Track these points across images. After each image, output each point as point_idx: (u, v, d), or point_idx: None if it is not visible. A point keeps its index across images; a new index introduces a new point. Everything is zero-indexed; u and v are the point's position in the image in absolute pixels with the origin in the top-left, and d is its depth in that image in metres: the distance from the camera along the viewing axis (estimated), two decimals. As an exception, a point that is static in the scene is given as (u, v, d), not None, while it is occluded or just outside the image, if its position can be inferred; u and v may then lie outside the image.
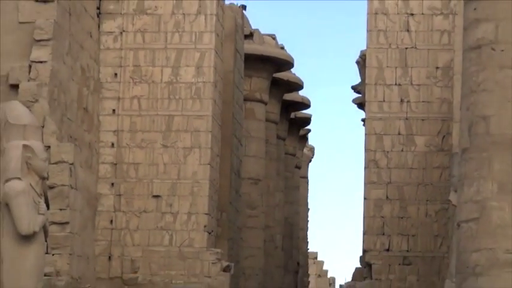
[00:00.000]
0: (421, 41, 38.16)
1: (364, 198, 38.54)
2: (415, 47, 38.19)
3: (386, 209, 38.07)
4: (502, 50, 20.75)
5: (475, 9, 21.37)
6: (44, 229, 24.78)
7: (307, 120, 58.33)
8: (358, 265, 39.60)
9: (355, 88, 48.17)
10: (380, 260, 38.02)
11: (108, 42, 37.02)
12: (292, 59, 48.27)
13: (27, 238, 24.21)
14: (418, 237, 37.60)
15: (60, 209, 29.56)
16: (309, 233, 63.99)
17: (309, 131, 60.96)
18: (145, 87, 36.75)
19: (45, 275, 26.26)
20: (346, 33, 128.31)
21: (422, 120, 37.96)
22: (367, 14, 38.82)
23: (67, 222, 30.13)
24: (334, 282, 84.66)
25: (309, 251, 67.68)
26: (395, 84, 38.25)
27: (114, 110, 36.68)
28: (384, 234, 37.98)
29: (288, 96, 51.45)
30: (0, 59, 30.70)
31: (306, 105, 55.32)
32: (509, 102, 20.66)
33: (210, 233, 36.64)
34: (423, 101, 38.00)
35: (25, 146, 24.44)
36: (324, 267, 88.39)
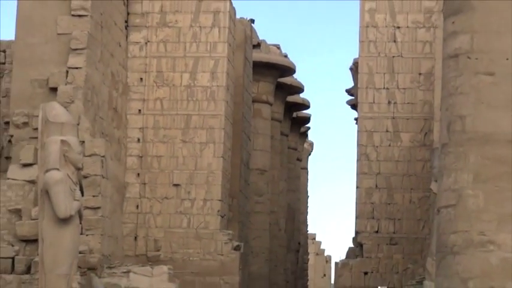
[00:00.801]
0: (406, 51, 38.21)
1: (357, 187, 38.64)
2: (401, 56, 38.25)
3: (376, 196, 38.19)
4: (476, 58, 20.88)
5: (453, 23, 21.51)
6: (79, 213, 24.98)
7: (307, 119, 58.31)
8: (351, 245, 39.60)
9: (348, 91, 48.21)
10: (370, 241, 38.14)
11: (134, 51, 37.12)
12: (294, 66, 48.28)
13: (64, 221, 24.41)
14: (403, 221, 37.71)
15: (93, 196, 29.67)
16: (308, 217, 63.92)
17: (309, 128, 60.88)
18: (167, 90, 36.91)
19: (80, 253, 26.43)
20: (341, 43, 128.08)
21: (407, 119, 38.05)
22: (360, 27, 38.88)
23: (99, 207, 30.25)
24: (330, 260, 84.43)
25: (308, 232, 67.57)
26: (384, 88, 38.34)
27: (139, 110, 36.82)
28: (373, 218, 38.09)
29: (291, 98, 51.47)
30: (42, 66, 30.90)
31: (306, 106, 55.34)
32: (482, 104, 20.80)
33: (222, 217, 36.77)
34: (408, 103, 38.07)
35: (63, 141, 24.63)
36: (322, 247, 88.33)
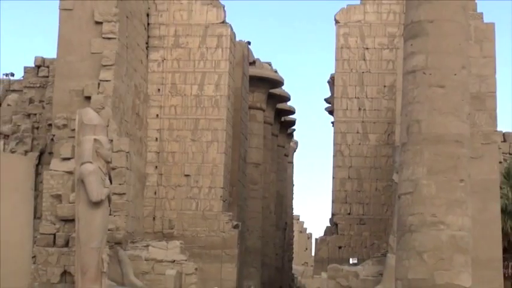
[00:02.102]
0: (373, 67, 38.10)
1: (333, 177, 38.51)
2: (369, 72, 38.12)
3: (348, 185, 38.08)
4: (430, 74, 20.86)
5: (411, 45, 21.47)
6: (108, 198, 25.02)
7: (292, 123, 58.08)
8: (328, 224, 39.40)
9: (327, 100, 48.07)
10: (343, 221, 38.03)
11: (153, 67, 37.03)
12: (283, 79, 48.09)
13: (96, 204, 24.39)
14: (371, 205, 37.61)
15: (119, 184, 29.61)
16: (293, 201, 63.64)
17: (294, 130, 60.56)
18: (180, 99, 36.81)
19: (108, 230, 26.42)
20: (321, 61, 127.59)
21: (374, 123, 37.94)
22: (336, 48, 38.71)
23: (124, 193, 30.19)
24: (311, 237, 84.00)
25: (293, 214, 67.36)
26: (355, 97, 38.19)
27: (157, 115, 36.71)
28: (346, 202, 37.96)
29: (280, 106, 51.26)
30: (78, 79, 30.81)
31: (292, 112, 55.10)
32: (435, 111, 20.79)
33: (224, 201, 36.71)
34: (374, 110, 37.96)
35: (95, 140, 24.63)
36: (304, 226, 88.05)
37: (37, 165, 30.93)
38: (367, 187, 37.81)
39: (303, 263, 75.09)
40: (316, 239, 41.93)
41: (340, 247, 37.59)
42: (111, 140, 28.12)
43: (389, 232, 29.87)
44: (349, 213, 37.94)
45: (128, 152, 30.61)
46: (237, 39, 39.77)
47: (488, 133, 30.48)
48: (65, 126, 30.03)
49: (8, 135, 33.42)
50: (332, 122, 40.88)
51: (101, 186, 24.66)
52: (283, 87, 49.13)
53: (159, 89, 37.01)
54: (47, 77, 33.97)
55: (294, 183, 63.97)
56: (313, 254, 56.47)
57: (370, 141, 37.94)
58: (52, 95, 31.92)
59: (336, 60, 38.83)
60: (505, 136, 37.38)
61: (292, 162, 64.05)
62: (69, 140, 28.90)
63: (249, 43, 42.65)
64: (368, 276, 30.21)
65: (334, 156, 38.53)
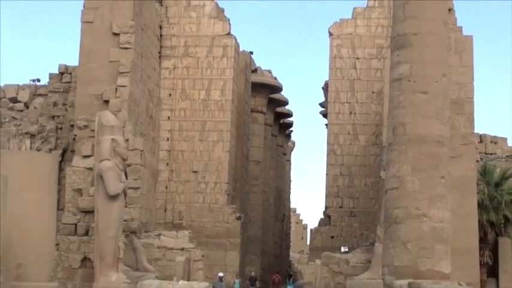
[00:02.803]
0: (363, 75, 38.14)
1: (326, 174, 38.58)
2: (359, 79, 38.18)
3: (340, 181, 38.13)
4: (414, 81, 20.85)
5: (397, 55, 21.44)
6: (124, 192, 24.91)
7: (290, 125, 58.02)
8: (322, 216, 39.47)
9: (321, 104, 48.03)
10: (336, 213, 38.09)
11: (165, 74, 37.06)
12: (282, 86, 48.16)
13: (113, 197, 24.31)
14: (360, 199, 37.65)
15: (134, 179, 29.58)
16: (291, 195, 63.73)
17: (292, 131, 60.54)
18: (189, 102, 36.83)
19: (124, 220, 26.36)
20: (316, 69, 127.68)
21: (363, 125, 37.98)
22: (329, 57, 38.82)
23: (138, 187, 30.16)
24: (306, 227, 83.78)
25: (291, 207, 67.39)
26: (347, 102, 38.25)
27: (168, 117, 36.76)
28: (338, 196, 38.01)
29: (279, 109, 51.29)
30: (98, 84, 30.77)
31: (290, 115, 55.14)
32: (418, 115, 20.76)
33: (228, 195, 36.74)
34: (364, 113, 37.99)
35: (113, 139, 24.55)
36: (300, 218, 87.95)
37: (60, 162, 30.87)
38: (357, 183, 37.82)
39: (299, 251, 74.87)
40: (311, 230, 41.94)
41: (332, 237, 37.61)
42: (127, 140, 28.05)
43: (377, 223, 29.84)
44: (340, 207, 37.96)
45: (142, 151, 30.56)
46: (241, 49, 39.80)
47: (466, 135, 30.48)
48: (85, 127, 29.99)
49: (34, 135, 33.44)
50: (326, 124, 40.91)
51: (118, 181, 24.60)
52: (282, 92, 49.15)
53: (170, 94, 37.03)
54: (70, 82, 33.94)
55: (291, 179, 64.04)
56: (308, 243, 56.55)
57: (360, 142, 37.97)
58: (74, 98, 31.91)
59: (329, 68, 38.91)
60: (481, 138, 37.45)
61: (290, 160, 64.05)
62: (89, 140, 28.85)
63: (251, 53, 42.68)
64: (357, 263, 30.20)
65: (327, 154, 38.58)
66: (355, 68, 38.18)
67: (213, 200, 36.15)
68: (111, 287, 24.16)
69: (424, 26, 21.17)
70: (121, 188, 24.67)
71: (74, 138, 30.80)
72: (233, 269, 35.39)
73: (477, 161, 32.12)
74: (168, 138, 36.68)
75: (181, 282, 18.59)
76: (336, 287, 29.86)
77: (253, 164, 44.62)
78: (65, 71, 34.58)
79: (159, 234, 31.02)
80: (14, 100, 35.16)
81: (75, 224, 28.59)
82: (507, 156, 36.98)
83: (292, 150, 65.20)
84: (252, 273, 37.07)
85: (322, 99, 46.66)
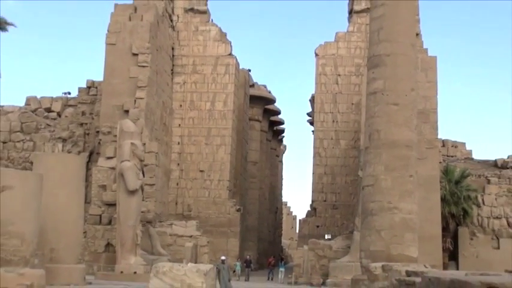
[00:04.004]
0: (344, 89, 38.12)
1: (312, 173, 38.53)
2: (341, 93, 38.16)
3: (325, 179, 38.09)
4: (387, 95, 20.79)
5: (373, 72, 21.40)
6: (141, 187, 24.86)
7: (282, 131, 58.07)
8: (309, 209, 39.42)
9: (308, 114, 48.05)
10: (321, 206, 38.03)
11: (176, 88, 37.05)
12: (275, 98, 48.22)
13: (132, 192, 24.24)
14: (341, 194, 37.59)
15: (150, 177, 29.57)
16: (282, 191, 63.72)
17: (283, 136, 60.61)
18: (196, 112, 36.83)
19: (141, 212, 26.32)
20: (305, 84, 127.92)
21: (344, 131, 37.95)
22: (315, 74, 38.80)
23: (153, 184, 30.18)
24: (296, 218, 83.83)
25: (282, 200, 67.36)
26: (330, 112, 38.22)
27: (179, 124, 36.74)
28: (323, 192, 37.97)
29: (272, 118, 51.27)
30: (119, 97, 30.75)
31: (282, 123, 55.14)
32: (391, 123, 20.70)
33: (230, 191, 36.70)
34: (344, 121, 37.98)
35: (132, 143, 24.47)
36: (291, 210, 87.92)
37: (87, 163, 30.82)
38: (338, 180, 37.79)
39: (289, 238, 74.73)
40: (299, 220, 41.97)
41: (318, 226, 37.57)
42: (144, 144, 28.04)
43: (356, 215, 29.80)
44: (325, 200, 37.91)
45: (156, 153, 30.57)
46: (240, 67, 39.82)
47: (431, 140, 30.48)
48: (109, 132, 29.97)
49: (65, 139, 33.41)
50: (312, 131, 40.92)
51: (136, 179, 24.55)
52: (275, 104, 49.19)
53: (180, 105, 37.00)
54: (96, 95, 33.96)
55: (283, 177, 64.01)
56: (297, 231, 56.52)
57: (341, 146, 37.93)
58: (99, 109, 31.90)
59: (315, 83, 38.89)
60: (443, 142, 37.44)
61: (282, 161, 64.06)
62: (112, 143, 28.84)
63: (249, 70, 42.71)
64: (339, 249, 30.16)
65: (313, 156, 38.54)
66: (337, 84, 38.18)
67: (216, 194, 36.11)
68: (130, 268, 24.13)
69: (395, 48, 21.15)
70: (139, 185, 24.63)
71: (99, 142, 30.78)
72: (234, 253, 35.32)
73: (440, 162, 32.14)
74: (178, 142, 36.64)
75: (189, 264, 18.48)
76: (320, 268, 29.82)
77: (251, 165, 44.61)
78: (91, 85, 34.60)
79: (171, 224, 30.96)
80: (49, 110, 35.16)
81: (100, 215, 28.57)
82: (465, 158, 37.01)
83: (284, 152, 65.21)
84: (248, 256, 36.99)
85: (309, 109, 46.69)
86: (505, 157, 36.04)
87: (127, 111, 30.23)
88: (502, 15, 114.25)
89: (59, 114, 34.90)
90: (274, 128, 54.69)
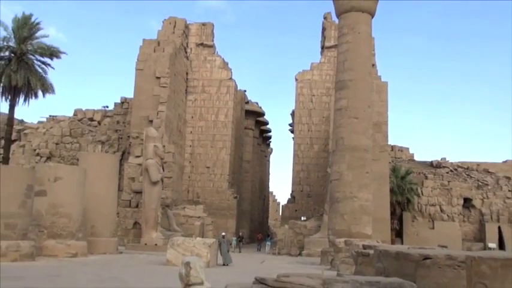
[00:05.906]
0: (317, 106, 38.07)
1: (292, 170, 38.42)
2: (315, 109, 38.11)
3: (302, 174, 38.01)
4: (350, 110, 20.89)
5: (339, 93, 21.53)
6: (162, 179, 24.85)
7: (270, 137, 57.90)
8: (290, 197, 39.36)
9: (290, 124, 47.81)
10: (298, 195, 37.91)
11: (189, 104, 36.91)
12: (264, 112, 47.86)
13: (154, 183, 24.23)
14: (314, 186, 37.54)
15: (168, 171, 29.46)
16: (269, 183, 63.57)
17: (271, 141, 60.43)
18: (204, 122, 36.67)
19: (161, 198, 26.30)
20: (287, 102, 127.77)
21: (317, 138, 37.90)
22: (295, 94, 38.66)
23: (171, 177, 30.01)
24: (279, 204, 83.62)
25: (269, 190, 67.22)
26: (306, 123, 38.16)
27: (191, 132, 36.56)
28: (300, 184, 37.89)
29: (262, 127, 51.00)
30: (145, 110, 30.67)
31: (270, 131, 55.01)
32: (352, 132, 20.81)
33: (229, 182, 36.57)
34: (317, 131, 37.92)
35: (155, 145, 24.47)
36: (275, 198, 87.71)
37: (120, 160, 30.77)
38: (312, 175, 37.78)
39: (274, 219, 74.59)
40: (282, 206, 41.89)
41: (296, 210, 37.53)
42: (164, 146, 28.04)
43: (325, 202, 29.84)
44: (301, 191, 37.89)
45: (173, 153, 30.48)
46: (238, 88, 39.77)
47: (382, 145, 30.60)
48: (137, 137, 29.91)
49: (104, 142, 33.31)
50: (293, 137, 40.93)
51: (158, 173, 24.54)
52: (264, 116, 49.11)
53: (192, 117, 36.91)
54: (127, 108, 33.86)
55: (270, 172, 63.87)
56: (280, 214, 56.38)
57: (314, 149, 37.95)
58: (130, 119, 31.84)
59: (295, 101, 38.87)
60: (392, 147, 37.53)
61: (269, 161, 63.90)
62: (139, 146, 28.80)
63: (245, 91, 42.64)
64: (312, 227, 30.19)
65: (293, 157, 38.51)
66: (311, 102, 38.22)
67: (219, 185, 36.06)
68: (152, 241, 24.09)
69: (356, 75, 21.28)
70: (160, 177, 24.65)
71: (130, 145, 30.72)
72: (231, 231, 35.22)
73: (390, 163, 32.23)
74: (190, 145, 36.55)
75: (198, 238, 18.51)
76: (297, 242, 29.83)
77: (245, 163, 44.52)
78: (124, 101, 34.53)
79: (184, 207, 30.92)
80: (91, 119, 35.08)
81: (130, 200, 28.51)
82: (409, 159, 37.12)
83: (270, 154, 65.02)
84: (240, 233, 36.90)
85: (291, 121, 46.62)
86: (439, 159, 36.29)
87: (151, 121, 30.16)
88: (433, 53, 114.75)
89: (99, 123, 34.85)
90: (264, 135, 54.53)
